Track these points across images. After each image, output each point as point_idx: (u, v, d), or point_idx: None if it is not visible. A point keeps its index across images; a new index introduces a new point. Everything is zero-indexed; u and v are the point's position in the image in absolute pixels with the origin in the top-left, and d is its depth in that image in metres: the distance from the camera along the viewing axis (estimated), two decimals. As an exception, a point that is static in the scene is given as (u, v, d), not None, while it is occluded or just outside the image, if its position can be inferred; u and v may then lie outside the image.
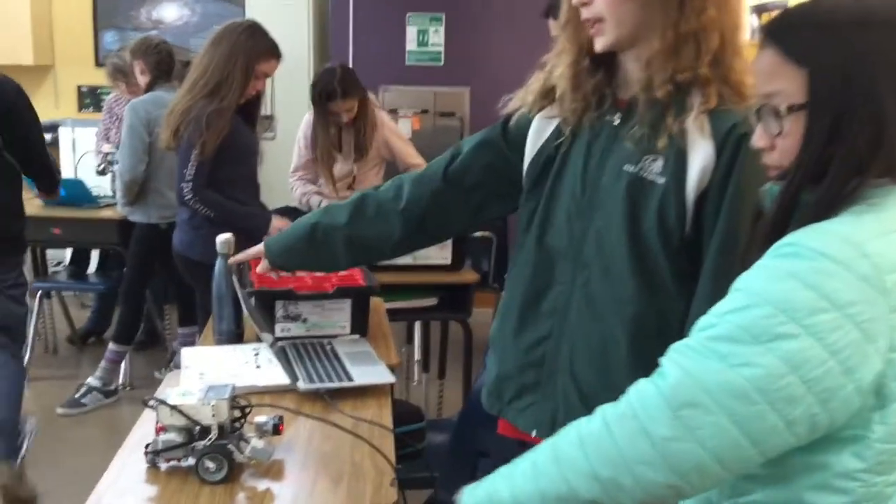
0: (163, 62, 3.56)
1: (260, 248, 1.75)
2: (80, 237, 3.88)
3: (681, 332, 1.29)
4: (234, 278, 1.90)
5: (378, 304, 2.38)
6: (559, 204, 1.40)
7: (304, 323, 2.03)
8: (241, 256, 1.84)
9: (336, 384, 1.73)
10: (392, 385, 1.81)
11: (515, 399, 1.46)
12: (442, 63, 4.89)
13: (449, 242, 2.88)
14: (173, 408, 1.38)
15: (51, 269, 4.48)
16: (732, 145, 1.24)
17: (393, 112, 4.91)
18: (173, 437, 1.39)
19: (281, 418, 1.49)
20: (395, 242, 1.62)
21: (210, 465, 1.37)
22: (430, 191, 1.58)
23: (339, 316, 2.04)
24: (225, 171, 2.73)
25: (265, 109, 5.02)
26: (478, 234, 3.21)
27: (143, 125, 3.42)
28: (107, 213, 3.84)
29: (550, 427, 1.39)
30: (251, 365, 1.84)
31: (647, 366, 1.30)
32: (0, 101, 2.66)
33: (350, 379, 1.76)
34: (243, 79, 2.66)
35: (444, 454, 2.10)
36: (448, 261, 2.91)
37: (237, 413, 1.46)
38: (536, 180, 1.44)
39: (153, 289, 3.99)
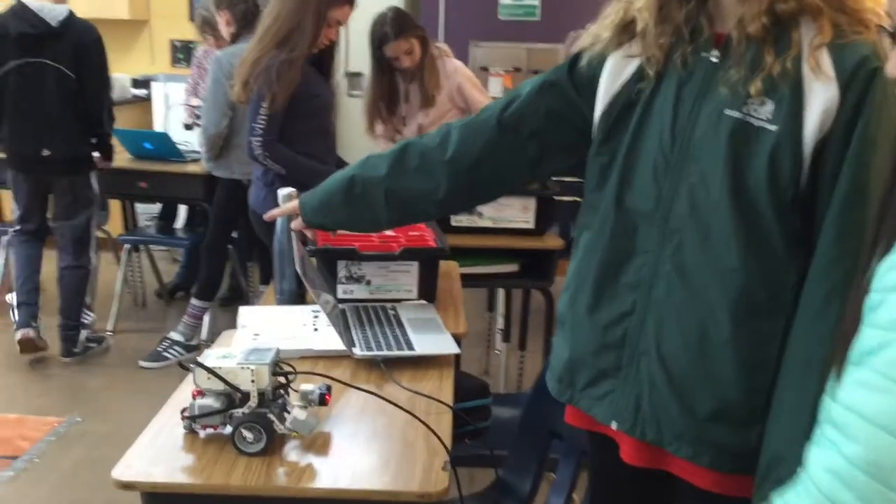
0: (248, 13, 3.47)
1: (295, 203, 1.60)
2: (165, 191, 3.88)
3: (794, 307, 1.10)
4: (295, 234, 1.78)
5: (451, 268, 2.24)
6: (643, 158, 1.20)
7: (368, 285, 1.90)
8: (276, 212, 1.68)
9: (394, 353, 1.59)
10: (457, 357, 1.67)
11: (590, 386, 1.28)
12: (537, 17, 4.65)
13: (533, 205, 2.70)
14: (210, 370, 1.27)
15: (142, 224, 4.53)
16: (862, 82, 1.02)
17: (483, 70, 4.72)
18: (210, 402, 1.29)
19: (329, 388, 1.36)
20: (441, 198, 1.43)
21: (247, 435, 1.26)
22: (482, 139, 1.38)
23: (405, 279, 1.90)
24: (297, 124, 2.62)
25: (354, 66, 4.94)
26: (565, 197, 3.00)
27: (226, 78, 3.34)
28: (192, 168, 3.82)
29: (633, 417, 1.21)
30: (309, 327, 1.73)
31: (752, 348, 1.12)
32: (80, 42, 3.33)
33: (410, 348, 1.62)
34: (315, 26, 2.52)
35: (512, 432, 1.94)
36: (531, 225, 2.73)
37: (281, 380, 1.34)
38: (611, 130, 1.24)
39: (238, 246, 3.97)
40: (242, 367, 1.27)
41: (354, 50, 4.77)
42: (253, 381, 1.27)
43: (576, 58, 1.30)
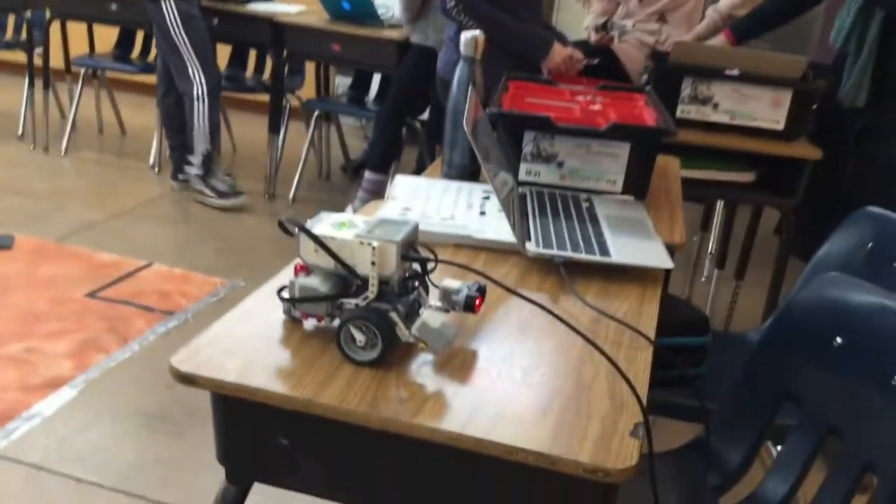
0: None
1: None
2: (358, 56, 3.57)
3: None
4: (473, 93, 1.37)
5: (670, 166, 1.75)
6: None
7: (559, 168, 1.46)
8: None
9: (581, 256, 1.16)
10: (667, 274, 1.21)
11: None
12: None
13: (787, 100, 2.11)
14: (314, 238, 0.90)
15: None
16: None
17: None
18: (316, 284, 0.93)
19: (482, 290, 0.96)
20: None
21: (357, 336, 0.89)
22: None
23: (609, 164, 1.45)
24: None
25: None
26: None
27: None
28: (388, 34, 3.48)
29: None
30: (474, 210, 1.33)
31: None
32: None
33: (604, 253, 1.18)
34: None
35: (728, 382, 1.47)
36: (780, 125, 2.14)
37: (416, 268, 0.95)
38: None
39: (429, 127, 3.64)
40: (361, 242, 0.90)
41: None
42: (373, 264, 0.89)
43: None
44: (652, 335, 1.02)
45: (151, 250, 3.14)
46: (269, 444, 0.90)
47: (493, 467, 0.81)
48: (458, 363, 0.92)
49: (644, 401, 0.88)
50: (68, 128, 4.22)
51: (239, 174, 4.01)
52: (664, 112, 1.53)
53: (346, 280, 0.93)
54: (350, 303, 0.92)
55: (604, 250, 1.18)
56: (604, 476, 0.78)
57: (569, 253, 1.16)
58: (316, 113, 3.85)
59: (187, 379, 0.86)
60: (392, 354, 0.91)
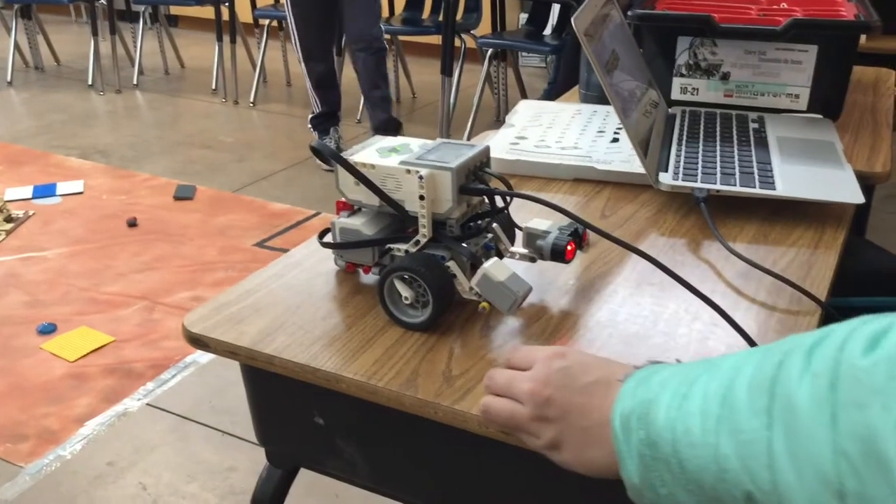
0: None
1: None
2: (531, -14, 3.30)
3: None
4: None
5: (882, 78, 1.38)
6: None
7: (724, 82, 1.16)
8: None
9: (732, 188, 0.88)
10: (858, 213, 0.90)
11: None
12: None
13: None
14: (347, 166, 0.71)
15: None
16: None
17: None
18: (358, 225, 0.74)
19: (579, 233, 0.73)
20: None
21: (404, 291, 0.69)
22: None
23: (790, 74, 1.13)
24: None
25: None
26: None
27: None
28: (563, -42, 3.19)
29: None
30: (607, 137, 1.08)
31: None
32: None
33: (767, 184, 0.89)
34: None
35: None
36: None
37: (483, 203, 0.74)
38: None
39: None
40: (408, 171, 0.69)
41: None
42: (422, 198, 0.69)
43: None
44: (823, 294, 0.74)
45: (321, 200, 3.11)
46: (305, 423, 0.73)
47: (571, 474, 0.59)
48: (538, 329, 0.70)
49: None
50: (255, 81, 4.31)
51: (416, 121, 3.92)
52: (868, 6, 1.18)
53: (399, 220, 0.73)
54: (399, 249, 0.72)
55: (766, 181, 0.89)
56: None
57: (716, 185, 0.88)
58: (489, 51, 3.63)
59: (198, 342, 0.71)
60: (452, 316, 0.70)
